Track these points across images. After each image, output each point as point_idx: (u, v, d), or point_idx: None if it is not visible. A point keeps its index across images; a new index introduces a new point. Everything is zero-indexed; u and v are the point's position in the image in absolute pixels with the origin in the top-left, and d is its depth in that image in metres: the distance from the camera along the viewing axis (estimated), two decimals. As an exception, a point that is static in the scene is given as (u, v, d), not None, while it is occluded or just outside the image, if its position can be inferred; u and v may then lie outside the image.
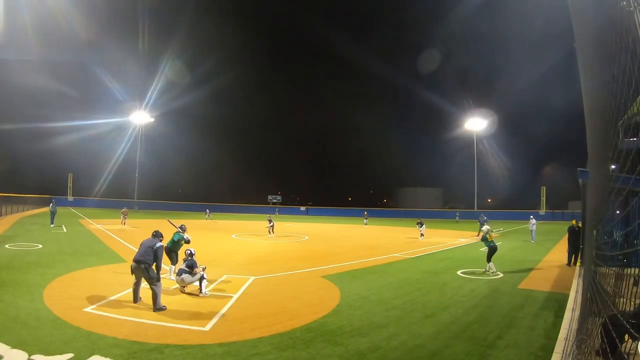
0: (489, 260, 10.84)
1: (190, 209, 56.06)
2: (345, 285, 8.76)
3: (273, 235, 21.27)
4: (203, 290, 7.76)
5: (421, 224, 22.03)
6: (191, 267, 7.99)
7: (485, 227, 11.60)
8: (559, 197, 53.35)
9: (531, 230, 21.18)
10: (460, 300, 7.77)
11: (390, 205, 73.46)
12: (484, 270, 10.78)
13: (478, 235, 23.63)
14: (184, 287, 7.90)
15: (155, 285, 6.58)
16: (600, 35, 3.00)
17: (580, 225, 12.79)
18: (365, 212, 38.24)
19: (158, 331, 5.39)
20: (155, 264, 6.79)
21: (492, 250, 10.87)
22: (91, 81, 56.04)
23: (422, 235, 21.65)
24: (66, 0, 40.34)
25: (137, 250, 7.00)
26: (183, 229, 9.45)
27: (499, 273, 10.62)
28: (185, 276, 7.82)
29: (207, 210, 39.05)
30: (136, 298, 6.82)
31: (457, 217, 48.95)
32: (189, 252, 8.36)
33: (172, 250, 9.10)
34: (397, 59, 77.24)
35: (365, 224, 34.39)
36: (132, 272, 6.81)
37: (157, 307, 6.44)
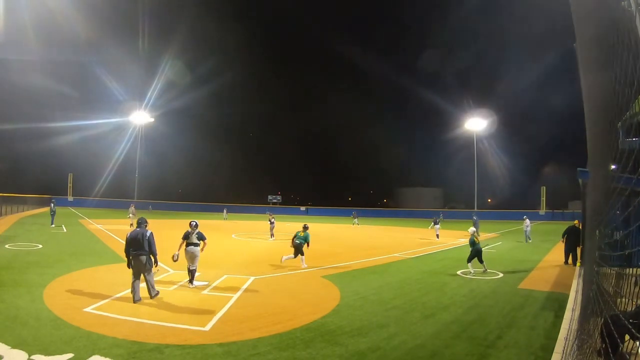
0: (470, 260, 10.64)
1: (190, 208, 56.06)
2: (345, 285, 8.76)
3: (273, 238, 19.35)
4: (193, 283, 8.22)
5: (436, 222, 21.75)
6: (200, 238, 8.35)
7: (472, 229, 11.25)
8: (559, 197, 53.42)
9: (525, 231, 20.65)
10: (460, 300, 7.76)
11: (390, 205, 73.48)
12: (482, 270, 10.71)
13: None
14: (191, 266, 8.21)
15: (149, 274, 6.97)
16: (600, 35, 3.00)
17: (578, 225, 12.82)
18: (354, 212, 37.72)
19: (158, 331, 5.39)
20: (150, 252, 7.01)
21: (477, 252, 10.64)
22: (91, 81, 56.13)
23: (437, 236, 21.32)
24: (66, 0, 40.35)
25: (125, 243, 7.13)
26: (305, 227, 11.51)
27: (482, 275, 10.35)
28: (196, 249, 8.26)
29: (225, 210, 38.92)
30: (136, 296, 6.82)
31: (440, 217, 48.64)
32: (194, 223, 8.40)
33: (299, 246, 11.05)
34: (397, 59, 77.66)
35: (357, 224, 33.52)
36: (131, 264, 6.93)
37: (153, 294, 6.86)
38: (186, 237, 8.29)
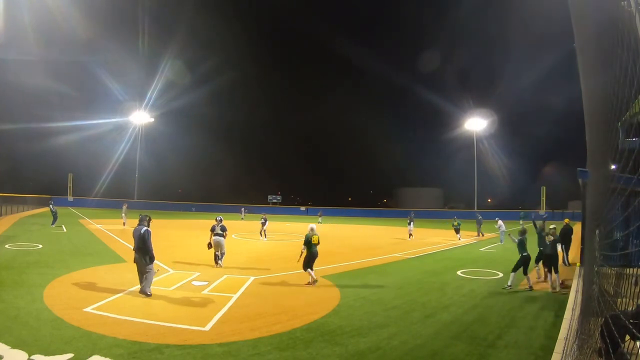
0: (309, 267, 8.80)
1: (190, 209, 56.00)
2: (345, 285, 8.75)
3: (265, 239, 19.08)
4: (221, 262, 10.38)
5: (410, 222, 21.64)
6: (223, 230, 10.40)
7: (311, 226, 9.08)
8: (559, 197, 53.38)
9: (500, 233, 19.51)
10: (460, 300, 7.77)
11: (391, 205, 73.46)
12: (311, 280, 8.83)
13: (478, 236, 23.64)
14: (218, 252, 10.34)
15: (149, 272, 7.18)
16: (600, 35, 3.00)
17: (568, 223, 12.77)
18: (320, 212, 37.83)
19: (158, 331, 5.39)
20: (145, 248, 7.26)
21: (312, 256, 8.82)
22: (91, 81, 55.98)
23: (410, 235, 21.12)
24: (66, 0, 40.33)
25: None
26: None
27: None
28: (220, 239, 10.23)
29: (243, 210, 38.59)
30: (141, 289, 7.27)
31: (411, 215, 48.44)
32: (219, 218, 10.68)
33: None
34: (397, 59, 77.69)
35: (320, 223, 33.79)
36: (135, 261, 7.32)
37: (145, 290, 7.06)
38: (212, 229, 10.51)
